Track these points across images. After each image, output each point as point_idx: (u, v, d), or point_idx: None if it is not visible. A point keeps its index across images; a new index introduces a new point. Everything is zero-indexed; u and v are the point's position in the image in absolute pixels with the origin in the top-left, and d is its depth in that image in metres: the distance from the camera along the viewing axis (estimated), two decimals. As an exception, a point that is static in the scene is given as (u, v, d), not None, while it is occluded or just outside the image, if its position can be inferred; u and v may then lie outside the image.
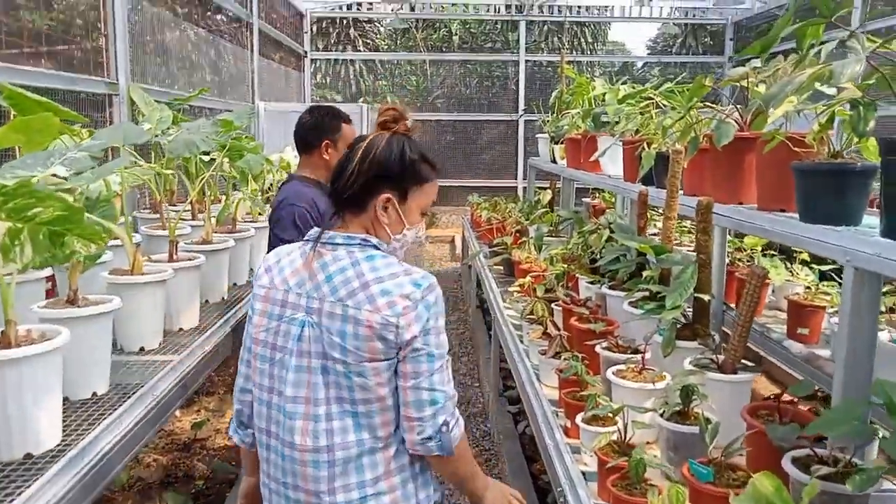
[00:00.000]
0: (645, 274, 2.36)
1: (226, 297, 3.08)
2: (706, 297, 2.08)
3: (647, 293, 2.42)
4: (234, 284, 3.30)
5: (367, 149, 1.47)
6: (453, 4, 10.24)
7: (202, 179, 3.10)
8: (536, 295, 2.88)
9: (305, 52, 9.66)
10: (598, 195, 6.58)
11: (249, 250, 3.44)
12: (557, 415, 2.13)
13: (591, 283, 3.11)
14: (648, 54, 11.74)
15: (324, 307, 1.42)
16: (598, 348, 2.21)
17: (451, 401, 1.46)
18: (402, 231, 1.52)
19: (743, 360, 1.86)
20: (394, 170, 1.48)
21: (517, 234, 4.72)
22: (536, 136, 6.45)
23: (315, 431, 1.42)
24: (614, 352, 2.17)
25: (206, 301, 2.96)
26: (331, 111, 2.77)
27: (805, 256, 3.27)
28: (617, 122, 4.01)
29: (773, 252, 3.67)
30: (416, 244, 1.60)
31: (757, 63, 2.48)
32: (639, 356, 2.05)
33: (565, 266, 3.18)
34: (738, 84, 2.62)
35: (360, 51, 10.73)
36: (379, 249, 1.48)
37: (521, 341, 2.87)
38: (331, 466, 1.42)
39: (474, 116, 10.34)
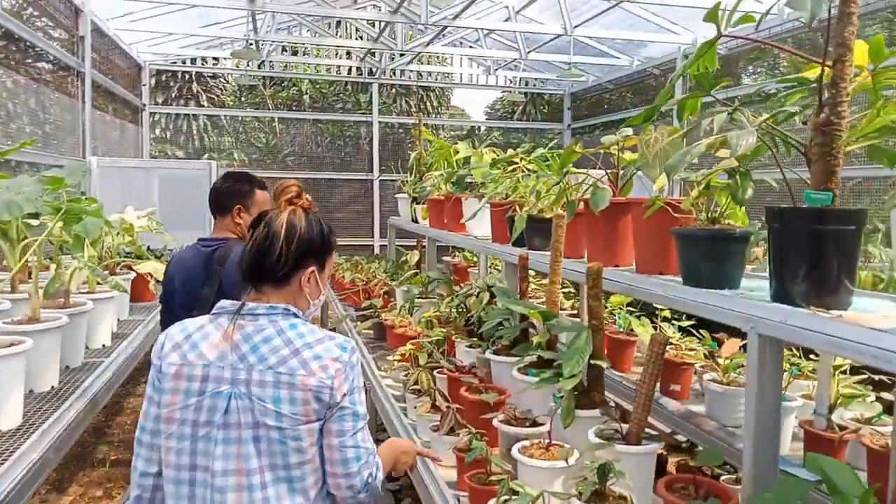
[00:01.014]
0: (534, 339, 2.31)
1: (56, 386, 2.60)
2: (602, 364, 2.05)
3: (535, 359, 2.36)
4: (67, 368, 2.82)
5: (290, 229, 1.58)
6: (304, 64, 10.14)
7: (26, 246, 2.65)
8: (419, 363, 2.73)
9: (144, 105, 9.03)
10: (458, 254, 6.63)
11: (86, 327, 2.98)
12: (459, 500, 1.97)
13: (470, 346, 3.03)
14: (487, 119, 12.30)
15: (252, 377, 1.47)
16: (495, 422, 2.09)
17: (372, 455, 1.57)
18: (319, 296, 1.66)
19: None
20: (317, 245, 1.63)
21: (385, 296, 4.57)
22: (396, 196, 6.42)
23: (251, 502, 1.45)
24: (514, 425, 2.06)
25: (31, 391, 2.49)
26: (245, 177, 2.81)
27: (666, 313, 3.43)
28: (482, 185, 4.07)
29: (631, 309, 3.83)
30: (320, 307, 1.75)
31: (627, 131, 2.57)
32: (541, 429, 1.96)
33: (444, 331, 3.07)
34: (605, 151, 2.72)
35: (203, 106, 10.23)
36: (298, 317, 1.57)
37: (406, 414, 2.69)
38: None
39: (328, 175, 10.18)
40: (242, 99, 11.04)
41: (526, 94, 10.91)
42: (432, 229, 4.79)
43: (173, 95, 9.99)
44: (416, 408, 2.43)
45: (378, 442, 1.68)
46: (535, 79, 10.29)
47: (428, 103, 11.47)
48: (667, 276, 2.19)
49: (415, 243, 8.57)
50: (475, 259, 5.82)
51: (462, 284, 4.00)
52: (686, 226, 2.07)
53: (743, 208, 2.20)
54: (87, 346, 3.02)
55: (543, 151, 2.91)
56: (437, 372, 2.75)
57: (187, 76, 10.06)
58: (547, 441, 1.88)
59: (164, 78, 9.93)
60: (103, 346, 2.78)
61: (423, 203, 5.24)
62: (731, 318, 1.62)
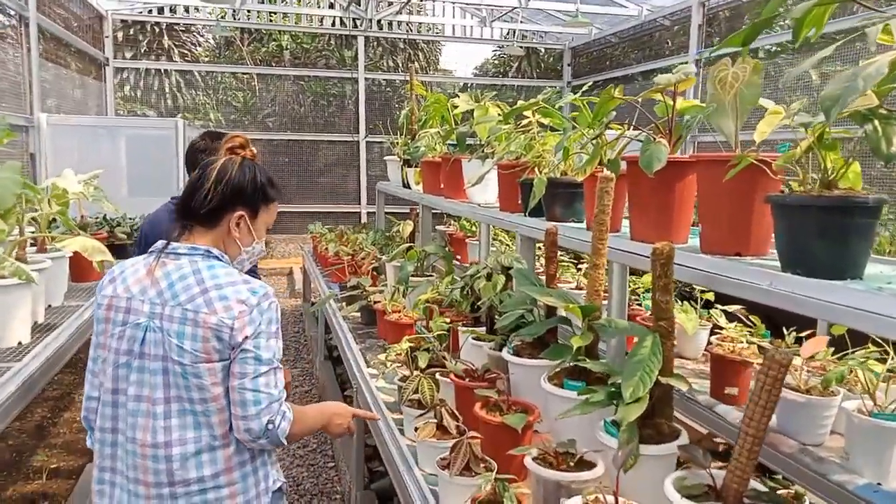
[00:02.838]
0: (572, 341, 1.74)
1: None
2: (676, 383, 1.49)
3: (571, 367, 1.81)
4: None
5: (222, 171, 1.66)
6: (284, 15, 9.35)
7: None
8: (418, 366, 2.17)
9: (107, 60, 8.25)
10: (453, 222, 6.04)
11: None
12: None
13: (478, 339, 2.47)
14: (475, 76, 11.55)
15: (164, 311, 1.55)
16: (529, 461, 1.54)
17: (276, 402, 1.57)
18: (251, 244, 1.72)
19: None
20: (247, 191, 1.68)
21: (374, 273, 3.99)
22: (384, 158, 5.81)
23: (154, 428, 1.53)
24: (554, 466, 1.51)
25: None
26: (222, 137, 2.69)
27: (710, 296, 2.88)
28: (487, 144, 3.47)
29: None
30: (260, 256, 1.80)
31: (690, 68, 1.99)
32: (593, 473, 1.42)
33: (447, 321, 2.51)
34: (650, 98, 2.15)
35: (175, 61, 9.45)
36: (220, 260, 1.64)
37: (402, 432, 2.13)
38: (168, 461, 1.53)
39: (310, 136, 9.49)
40: (218, 55, 10.24)
41: (523, 48, 10.19)
42: (427, 196, 4.20)
43: (142, 50, 9.19)
44: (416, 429, 1.87)
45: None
46: (534, 31, 9.58)
47: (416, 63, 10.75)
48: (750, 259, 1.65)
49: (406, 210, 7.97)
50: (474, 228, 5.24)
51: (468, 262, 3.42)
52: (794, 192, 1.50)
53: (857, 168, 1.61)
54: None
55: (571, 98, 2.30)
56: (441, 374, 2.19)
57: (157, 29, 9.27)
58: (611, 499, 1.32)
59: (131, 31, 9.13)
60: (19, 343, 2.20)
61: (417, 166, 4.64)
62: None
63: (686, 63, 7.55)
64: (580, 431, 1.69)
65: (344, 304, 3.65)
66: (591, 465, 1.53)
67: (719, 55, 1.67)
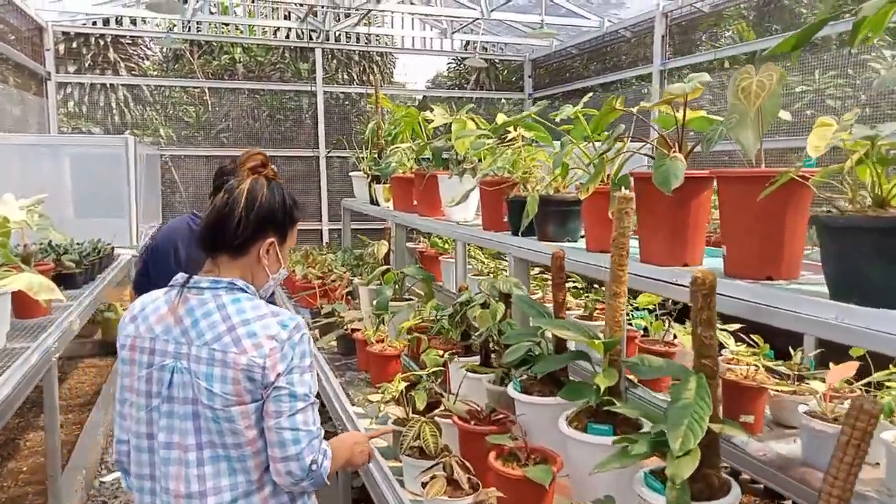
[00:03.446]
0: (598, 382, 1.56)
1: None
2: (730, 431, 1.32)
3: (592, 407, 1.63)
4: None
5: (251, 197, 1.54)
6: (236, 27, 9.05)
7: None
8: (416, 409, 1.96)
9: (49, 74, 7.80)
10: (423, 239, 5.85)
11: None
12: None
13: (473, 372, 2.28)
14: (428, 88, 11.37)
15: (191, 352, 1.46)
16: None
17: (316, 440, 1.48)
18: (278, 270, 1.62)
19: None
20: (278, 216, 1.59)
21: (348, 298, 3.76)
22: (350, 174, 5.59)
23: (187, 477, 1.44)
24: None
25: None
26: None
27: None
28: (464, 160, 3.30)
29: (653, 309, 3.15)
30: (280, 280, 1.67)
31: (703, 77, 1.86)
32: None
33: (440, 354, 2.30)
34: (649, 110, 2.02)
35: (122, 76, 9.02)
36: (245, 292, 1.53)
37: (401, 483, 1.92)
38: None
39: (267, 152, 9.06)
40: (167, 69, 9.83)
41: (485, 59, 10.10)
42: (400, 213, 4.01)
43: (87, 64, 8.73)
44: (424, 485, 1.65)
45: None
46: (494, 43, 9.49)
47: (370, 74, 10.53)
48: (784, 284, 1.52)
49: (374, 228, 7.73)
50: (446, 245, 5.05)
51: (440, 281, 3.23)
52: (845, 213, 1.36)
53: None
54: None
55: (574, 110, 2.14)
56: (440, 415, 1.99)
57: (102, 42, 8.82)
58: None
59: (74, 44, 8.66)
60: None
61: (386, 182, 4.44)
62: None
63: (650, 73, 7.49)
64: (610, 482, 1.51)
65: (318, 332, 3.41)
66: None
67: (766, 58, 1.53)
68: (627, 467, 1.40)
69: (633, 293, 3.07)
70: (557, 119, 2.15)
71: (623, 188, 1.82)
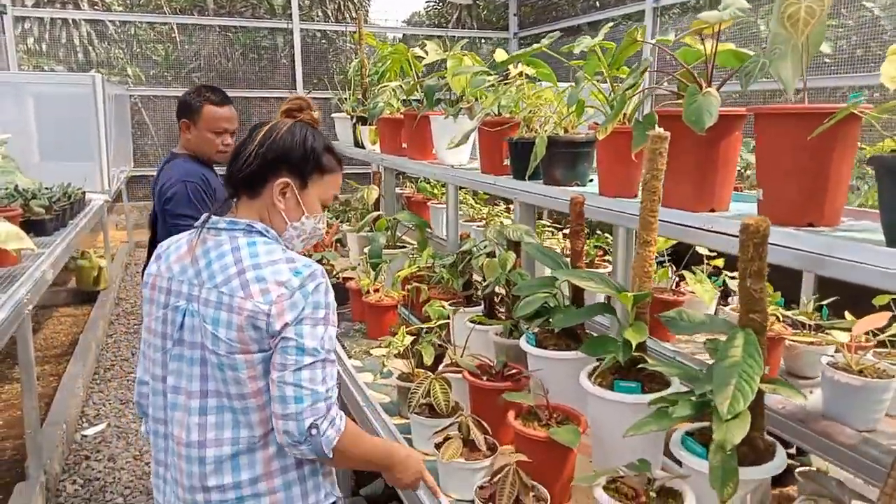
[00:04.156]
0: (628, 337, 1.45)
1: None
2: (784, 393, 1.22)
3: (616, 363, 1.52)
4: None
5: (268, 133, 1.45)
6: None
7: None
8: (423, 363, 1.85)
9: (4, 7, 7.30)
10: (409, 184, 5.66)
11: None
12: None
13: (476, 322, 2.16)
14: (406, 27, 10.93)
15: (202, 294, 1.37)
16: (600, 495, 1.24)
17: (323, 402, 1.32)
18: (300, 219, 1.47)
19: None
20: (294, 155, 1.45)
21: (338, 245, 3.61)
22: (332, 115, 5.35)
23: (188, 425, 1.37)
24: (633, 499, 1.23)
25: None
26: (199, 90, 2.74)
27: (718, 263, 2.65)
28: (458, 99, 3.12)
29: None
30: (315, 236, 1.53)
31: (741, 2, 1.70)
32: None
33: (444, 306, 2.18)
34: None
35: (84, 9, 8.51)
36: (264, 236, 1.42)
37: (410, 443, 1.81)
38: (202, 464, 1.36)
39: (242, 93, 8.79)
40: (132, 5, 9.29)
41: (467, -4, 9.71)
42: (388, 156, 3.82)
43: (45, -2, 8.22)
44: (437, 446, 1.54)
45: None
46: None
47: (346, 12, 10.07)
48: (827, 230, 1.42)
49: (359, 171, 7.49)
50: (435, 190, 4.89)
51: (461, 238, 3.09)
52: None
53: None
54: None
55: (594, 42, 1.97)
56: (450, 374, 1.88)
57: (61, -28, 8.29)
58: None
59: (31, -26, 8.12)
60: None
61: (372, 124, 4.23)
62: None
63: (643, 11, 7.22)
64: (636, 444, 1.41)
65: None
66: (675, 496, 1.25)
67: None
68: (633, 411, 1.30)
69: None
70: (576, 51, 1.98)
71: (651, 127, 1.68)
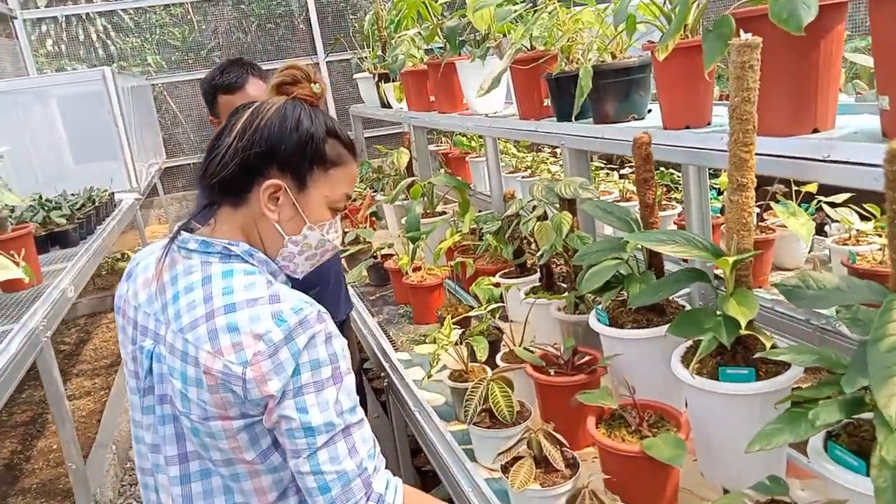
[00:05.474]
0: (731, 312, 1.11)
1: None
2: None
3: (720, 347, 1.19)
4: None
5: (250, 119, 1.11)
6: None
7: None
8: (475, 357, 1.55)
9: (12, 11, 7.16)
10: (445, 139, 5.31)
11: None
12: None
13: (531, 293, 1.85)
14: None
15: (167, 337, 1.07)
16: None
17: (358, 478, 1.01)
18: (300, 231, 1.12)
19: None
20: (285, 147, 1.09)
21: (372, 220, 3.33)
22: (354, 77, 5.01)
23: (172, 496, 1.10)
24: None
25: None
26: (212, 78, 2.24)
27: (812, 188, 2.24)
28: (485, 38, 2.74)
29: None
30: (327, 251, 1.18)
31: None
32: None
33: (494, 283, 1.87)
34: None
35: (94, 2, 8.31)
36: (246, 262, 1.10)
37: (472, 457, 1.53)
38: None
39: (264, 65, 8.47)
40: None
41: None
42: (416, 113, 3.49)
43: (55, -3, 8.03)
44: (505, 470, 1.25)
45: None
46: None
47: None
48: None
49: (389, 132, 7.17)
50: (472, 143, 4.53)
51: (505, 198, 2.76)
52: None
53: None
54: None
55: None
56: (505, 361, 1.58)
57: (67, -31, 8.07)
58: None
59: (37, -24, 7.94)
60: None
61: (396, 80, 3.89)
62: None
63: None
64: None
65: (344, 263, 3.00)
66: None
67: None
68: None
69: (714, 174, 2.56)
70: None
71: (730, 35, 1.30)
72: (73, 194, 4.13)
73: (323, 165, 1.12)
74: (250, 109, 1.13)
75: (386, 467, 1.08)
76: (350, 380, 1.05)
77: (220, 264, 1.08)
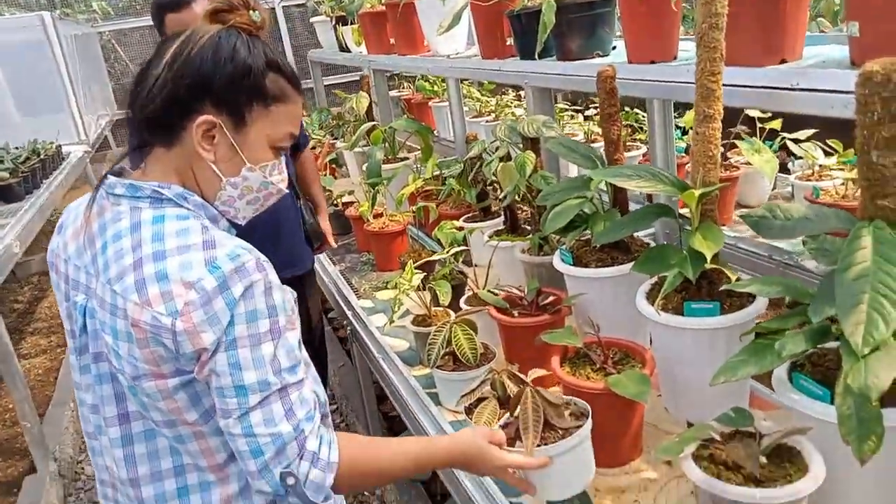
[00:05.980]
0: (699, 247, 1.09)
1: None
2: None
3: (685, 283, 1.18)
4: None
5: (182, 46, 0.99)
6: None
7: None
8: (438, 301, 1.52)
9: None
10: (407, 84, 5.18)
11: None
12: None
13: (496, 239, 1.82)
14: None
15: (97, 290, 0.99)
16: (692, 471, 0.93)
17: (291, 443, 0.93)
18: (239, 172, 1.02)
19: None
20: (219, 79, 0.99)
21: (333, 167, 3.24)
22: (311, 20, 4.83)
23: (115, 458, 1.02)
24: (733, 471, 0.91)
25: None
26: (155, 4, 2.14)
27: (775, 125, 2.23)
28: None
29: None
30: (270, 194, 1.07)
31: None
32: (812, 481, 0.83)
33: (457, 227, 1.83)
34: None
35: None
36: (180, 207, 1.00)
37: (435, 401, 1.51)
38: None
39: (216, 12, 8.12)
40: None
41: None
42: (376, 56, 3.38)
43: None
44: (468, 411, 1.24)
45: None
46: None
47: None
48: None
49: (350, 79, 6.95)
50: (435, 88, 4.41)
51: (467, 140, 2.71)
52: None
53: None
54: None
55: None
56: (468, 306, 1.55)
57: None
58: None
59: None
60: None
61: (354, 22, 3.76)
62: None
63: None
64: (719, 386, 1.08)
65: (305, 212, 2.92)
66: (793, 457, 0.93)
67: None
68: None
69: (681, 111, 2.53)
70: None
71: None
72: (16, 147, 3.93)
73: (263, 101, 1.02)
74: (181, 37, 1.02)
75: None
76: (292, 336, 0.97)
77: (151, 209, 0.99)
